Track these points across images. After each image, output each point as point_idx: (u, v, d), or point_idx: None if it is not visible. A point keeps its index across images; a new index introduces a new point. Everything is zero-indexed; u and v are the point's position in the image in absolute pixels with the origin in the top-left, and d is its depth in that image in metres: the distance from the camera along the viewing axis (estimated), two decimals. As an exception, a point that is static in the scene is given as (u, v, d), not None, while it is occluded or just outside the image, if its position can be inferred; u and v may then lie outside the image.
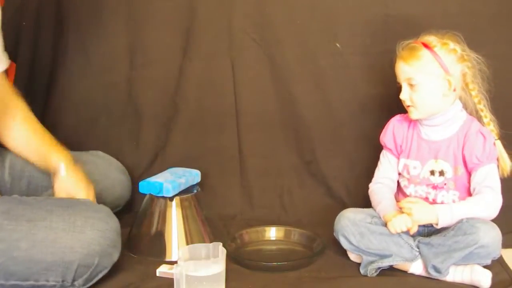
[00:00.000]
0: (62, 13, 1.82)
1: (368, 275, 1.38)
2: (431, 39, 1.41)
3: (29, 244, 1.25)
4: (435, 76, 1.40)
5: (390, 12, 1.69)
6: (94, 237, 1.27)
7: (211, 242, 1.55)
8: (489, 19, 1.66)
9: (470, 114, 1.46)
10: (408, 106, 1.44)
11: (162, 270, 1.41)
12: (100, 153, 1.68)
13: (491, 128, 1.42)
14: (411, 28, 1.51)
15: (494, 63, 1.62)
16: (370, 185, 1.55)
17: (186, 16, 1.78)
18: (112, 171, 1.65)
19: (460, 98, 1.45)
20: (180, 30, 1.80)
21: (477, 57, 1.42)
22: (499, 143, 1.41)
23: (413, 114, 1.44)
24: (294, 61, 1.77)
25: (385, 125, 1.55)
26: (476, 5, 1.67)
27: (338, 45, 1.74)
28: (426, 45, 1.40)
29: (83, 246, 1.26)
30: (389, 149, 1.54)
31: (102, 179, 1.59)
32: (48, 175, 1.50)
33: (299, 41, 1.76)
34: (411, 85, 1.42)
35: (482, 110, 1.43)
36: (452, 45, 1.40)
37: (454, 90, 1.41)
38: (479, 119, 1.44)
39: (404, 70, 1.42)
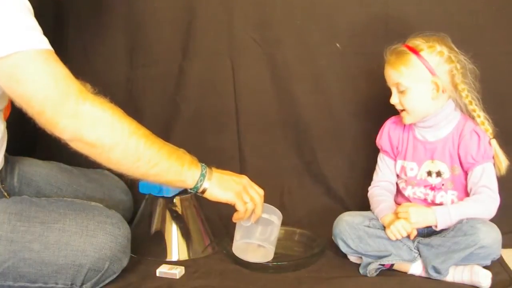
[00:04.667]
0: (62, 13, 1.82)
1: (368, 275, 1.38)
2: (417, 42, 1.41)
3: (42, 246, 1.25)
4: (423, 80, 1.39)
5: (390, 12, 1.69)
6: (106, 242, 1.28)
7: (211, 242, 1.56)
8: (489, 19, 1.66)
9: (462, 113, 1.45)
10: (401, 110, 1.45)
11: (162, 270, 1.41)
12: (106, 172, 1.66)
13: (485, 127, 1.41)
14: (411, 28, 1.51)
15: (494, 62, 1.63)
16: (369, 188, 1.55)
17: (186, 16, 1.78)
18: (116, 192, 1.65)
19: (453, 98, 1.44)
20: (180, 30, 1.80)
21: (465, 59, 1.41)
22: (494, 142, 1.41)
23: (406, 119, 1.45)
24: (294, 61, 1.77)
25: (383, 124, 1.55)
26: (476, 5, 1.66)
27: (338, 45, 1.74)
28: (412, 49, 1.40)
29: (95, 250, 1.26)
30: (386, 152, 1.54)
31: (105, 199, 1.58)
32: (56, 186, 1.52)
33: (299, 41, 1.76)
34: (400, 91, 1.42)
35: (474, 110, 1.42)
36: (438, 47, 1.40)
37: (443, 91, 1.40)
38: (472, 119, 1.43)
39: (392, 75, 1.43)
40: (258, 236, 1.40)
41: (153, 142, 1.21)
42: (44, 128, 1.15)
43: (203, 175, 1.26)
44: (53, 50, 1.15)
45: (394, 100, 1.44)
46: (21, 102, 1.13)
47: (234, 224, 1.40)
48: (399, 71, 1.41)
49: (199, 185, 1.26)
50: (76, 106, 1.13)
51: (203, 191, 1.28)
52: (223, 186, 1.29)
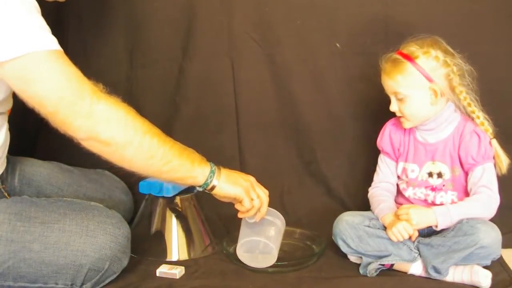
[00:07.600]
0: (62, 13, 1.82)
1: (368, 275, 1.38)
2: (412, 49, 1.40)
3: (42, 246, 1.25)
4: (420, 87, 1.39)
5: (390, 12, 1.69)
6: (106, 242, 1.28)
7: (211, 242, 1.56)
8: (489, 19, 1.66)
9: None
10: (400, 116, 1.45)
11: (162, 270, 1.41)
12: (107, 172, 1.67)
13: (485, 128, 1.41)
14: (411, 28, 1.52)
15: (494, 62, 1.63)
16: (369, 189, 1.55)
17: (186, 16, 1.78)
18: (117, 192, 1.65)
19: (452, 100, 1.43)
20: (180, 30, 1.80)
21: (461, 61, 1.40)
22: (495, 142, 1.41)
23: (406, 124, 1.46)
24: (294, 61, 1.77)
25: (383, 126, 1.55)
26: (476, 5, 1.66)
27: (338, 45, 1.74)
28: (407, 57, 1.39)
29: (95, 250, 1.27)
30: (387, 153, 1.54)
31: (106, 199, 1.59)
32: (56, 187, 1.52)
33: (299, 41, 1.76)
34: (398, 98, 1.42)
35: (473, 112, 1.42)
36: (433, 52, 1.39)
37: (442, 95, 1.40)
38: (472, 120, 1.43)
39: (389, 85, 1.42)
40: (264, 235, 1.40)
41: (165, 141, 1.22)
42: (57, 127, 1.15)
43: (212, 172, 1.28)
44: (63, 51, 1.15)
45: (393, 108, 1.44)
46: (33, 103, 1.13)
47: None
48: (396, 80, 1.40)
49: (209, 181, 1.27)
50: (90, 106, 1.13)
51: (212, 188, 1.29)
52: (232, 181, 1.30)
